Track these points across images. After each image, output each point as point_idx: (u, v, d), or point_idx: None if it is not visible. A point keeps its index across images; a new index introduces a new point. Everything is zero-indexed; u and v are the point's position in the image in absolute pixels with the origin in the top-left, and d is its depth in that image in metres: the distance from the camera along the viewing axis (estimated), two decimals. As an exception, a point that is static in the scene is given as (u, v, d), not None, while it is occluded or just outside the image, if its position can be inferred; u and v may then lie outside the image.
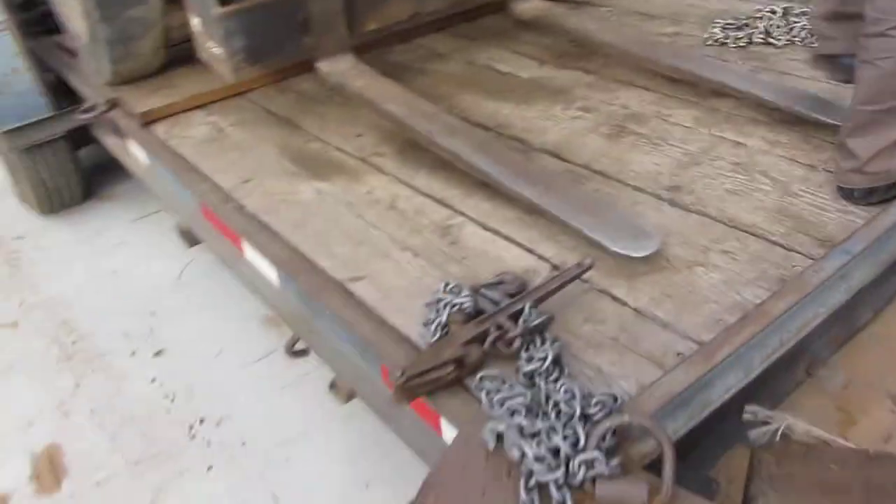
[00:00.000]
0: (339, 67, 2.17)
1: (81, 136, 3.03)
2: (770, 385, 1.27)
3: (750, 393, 1.19)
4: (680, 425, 1.09)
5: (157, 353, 2.34)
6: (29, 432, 2.11)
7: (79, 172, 3.14)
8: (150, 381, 2.23)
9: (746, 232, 1.48)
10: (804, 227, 1.48)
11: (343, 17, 2.14)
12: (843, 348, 1.42)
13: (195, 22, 2.10)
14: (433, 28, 2.68)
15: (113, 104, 2.52)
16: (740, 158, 1.75)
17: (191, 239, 2.36)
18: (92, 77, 2.65)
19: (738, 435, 1.14)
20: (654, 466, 0.99)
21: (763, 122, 1.88)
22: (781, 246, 1.43)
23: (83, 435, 2.08)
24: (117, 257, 2.88)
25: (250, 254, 1.87)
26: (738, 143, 1.81)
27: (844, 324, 1.45)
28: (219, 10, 1.93)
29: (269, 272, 1.80)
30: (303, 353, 1.77)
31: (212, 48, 2.07)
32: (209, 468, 1.94)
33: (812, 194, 1.58)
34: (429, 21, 2.61)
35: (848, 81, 1.83)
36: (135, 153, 2.57)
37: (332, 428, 2.02)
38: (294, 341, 1.75)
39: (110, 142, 2.78)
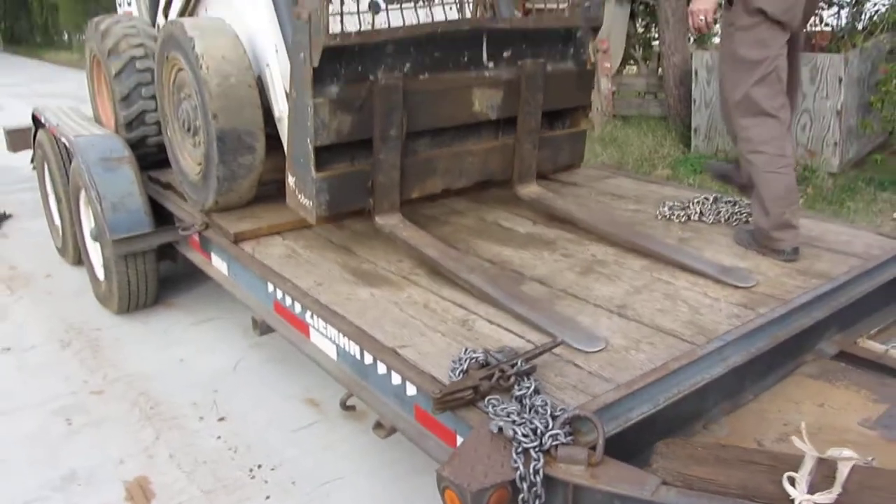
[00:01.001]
0: (391, 222, 2.95)
1: (165, 251, 3.82)
2: (678, 433, 1.97)
3: (663, 423, 1.88)
4: (611, 428, 1.77)
5: (221, 419, 2.97)
6: (121, 468, 2.70)
7: (156, 280, 3.88)
8: (216, 438, 2.85)
9: (665, 333, 2.22)
10: (704, 332, 2.21)
11: (397, 188, 2.96)
12: (730, 415, 2.12)
13: (291, 180, 2.91)
14: (455, 193, 3.52)
15: (207, 225, 3.32)
16: (669, 292, 2.52)
17: (263, 329, 3.04)
18: (191, 203, 3.46)
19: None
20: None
21: (688, 270, 2.67)
22: (687, 341, 2.15)
23: (165, 471, 2.67)
24: (182, 349, 3.55)
25: (315, 336, 2.59)
26: (669, 283, 2.59)
27: (731, 400, 2.16)
28: (314, 174, 2.74)
29: (330, 349, 2.50)
30: (352, 407, 2.42)
31: (301, 199, 2.86)
32: (267, 497, 2.53)
33: (713, 314, 2.33)
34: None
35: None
36: (217, 265, 3.33)
37: (365, 479, 2.62)
38: (347, 397, 2.41)
39: (194, 256, 3.55)
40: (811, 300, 2.39)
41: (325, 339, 2.51)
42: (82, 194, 3.98)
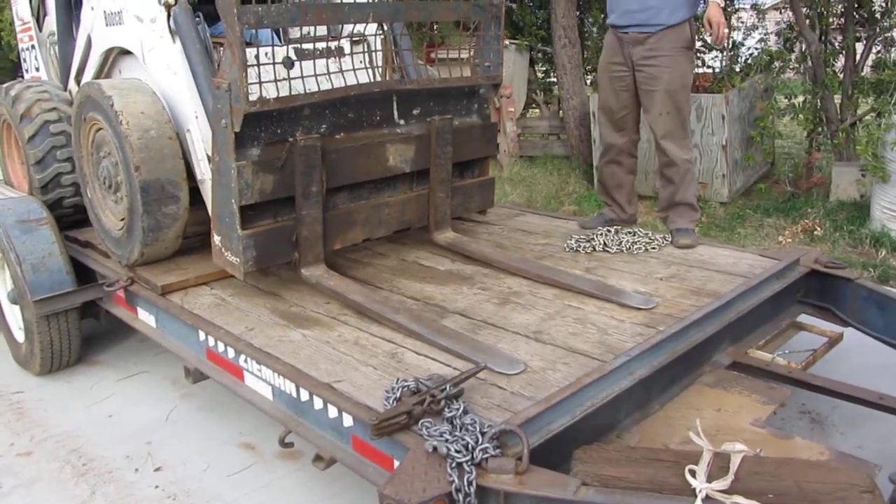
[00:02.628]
0: (317, 272, 3.09)
1: (87, 309, 3.81)
2: (594, 443, 2.17)
3: (581, 434, 2.08)
4: (534, 440, 1.95)
5: (157, 469, 2.99)
6: (56, 526, 2.70)
7: (79, 339, 3.85)
8: (154, 488, 2.87)
9: (578, 353, 2.44)
10: (612, 350, 2.44)
11: (320, 240, 3.11)
12: (640, 424, 2.34)
13: (216, 239, 3.01)
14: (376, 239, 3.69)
15: (132, 280, 3.37)
16: (579, 316, 2.75)
17: (196, 377, 3.08)
18: (115, 259, 3.50)
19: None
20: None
21: (595, 297, 2.92)
22: (597, 359, 2.38)
23: (103, 526, 2.68)
24: (111, 404, 3.55)
25: (249, 379, 2.68)
26: (579, 308, 2.83)
27: (640, 410, 2.39)
28: (240, 232, 2.86)
29: (265, 390, 2.60)
30: (290, 444, 2.52)
31: (228, 256, 2.97)
32: (209, 542, 2.58)
33: (619, 334, 2.57)
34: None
35: None
36: (144, 318, 3.38)
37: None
38: (286, 434, 2.51)
39: (119, 311, 3.58)
40: (704, 316, 2.66)
41: (259, 380, 2.61)
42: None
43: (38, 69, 4.75)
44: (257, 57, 2.77)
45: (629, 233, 3.61)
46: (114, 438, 3.23)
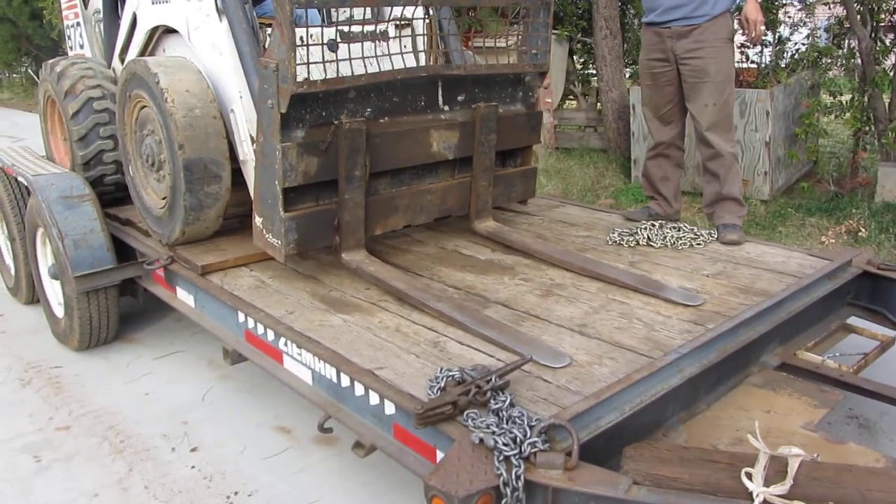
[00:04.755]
0: (357, 257, 3.06)
1: (126, 288, 3.83)
2: (641, 441, 2.11)
3: (628, 431, 2.03)
4: (583, 436, 1.91)
5: (193, 450, 2.99)
6: (95, 501, 2.70)
7: (117, 316, 3.87)
8: (190, 468, 2.87)
9: (624, 348, 2.38)
10: (660, 346, 2.38)
11: (361, 225, 3.08)
12: (687, 423, 2.28)
13: (258, 220, 2.99)
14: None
15: (172, 259, 3.37)
16: (624, 311, 2.69)
17: (234, 358, 3.07)
18: (156, 237, 3.50)
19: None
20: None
21: (640, 292, 2.85)
22: (645, 356, 2.32)
23: (141, 502, 2.68)
24: (148, 383, 3.56)
25: (289, 363, 2.66)
26: (624, 303, 2.77)
27: (687, 410, 2.33)
28: (282, 214, 2.84)
29: (305, 374, 2.58)
30: (329, 429, 2.50)
31: (269, 238, 2.95)
32: (244, 522, 2.58)
33: (667, 330, 2.51)
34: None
35: None
36: (183, 298, 3.38)
37: (342, 499, 2.69)
38: (325, 419, 2.48)
39: (158, 290, 3.58)
40: (754, 316, 2.59)
41: (299, 364, 2.59)
42: (39, 233, 3.97)
43: (82, 47, 4.77)
44: (303, 38, 2.73)
45: (674, 227, 3.53)
46: (150, 417, 3.24)
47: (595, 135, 8.24)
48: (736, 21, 3.84)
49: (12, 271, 4.66)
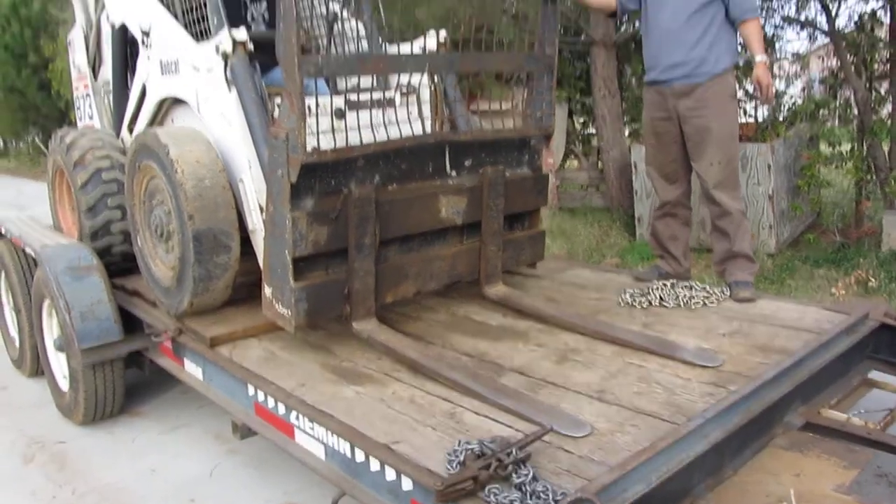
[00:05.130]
0: (368, 326, 3.03)
1: (132, 359, 3.78)
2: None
3: (655, 502, 1.96)
4: (610, 510, 1.84)
5: (202, 528, 2.91)
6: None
7: (123, 389, 3.81)
8: (199, 547, 2.78)
9: (646, 414, 2.33)
10: (682, 411, 2.33)
11: (372, 294, 3.05)
12: (714, 490, 2.21)
13: (267, 290, 2.97)
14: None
15: (180, 331, 3.33)
16: (642, 374, 2.64)
17: (244, 432, 3.01)
18: (164, 308, 3.47)
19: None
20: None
21: (657, 354, 2.81)
22: (668, 421, 2.26)
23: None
24: (153, 458, 3.48)
25: (301, 437, 2.60)
26: (641, 366, 2.72)
27: (714, 476, 2.26)
28: (292, 284, 2.81)
29: (317, 448, 2.52)
30: (343, 506, 2.42)
31: (279, 308, 2.92)
32: None
33: (688, 394, 2.46)
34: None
35: None
36: (191, 370, 3.33)
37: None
38: (340, 496, 2.41)
39: (165, 362, 3.53)
40: (777, 375, 2.53)
41: (311, 439, 2.53)
42: (46, 304, 3.94)
43: (91, 117, 4.82)
44: (310, 107, 2.75)
45: (686, 286, 3.50)
46: (157, 494, 3.15)
47: (597, 194, 8.28)
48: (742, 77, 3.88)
49: (17, 343, 4.61)
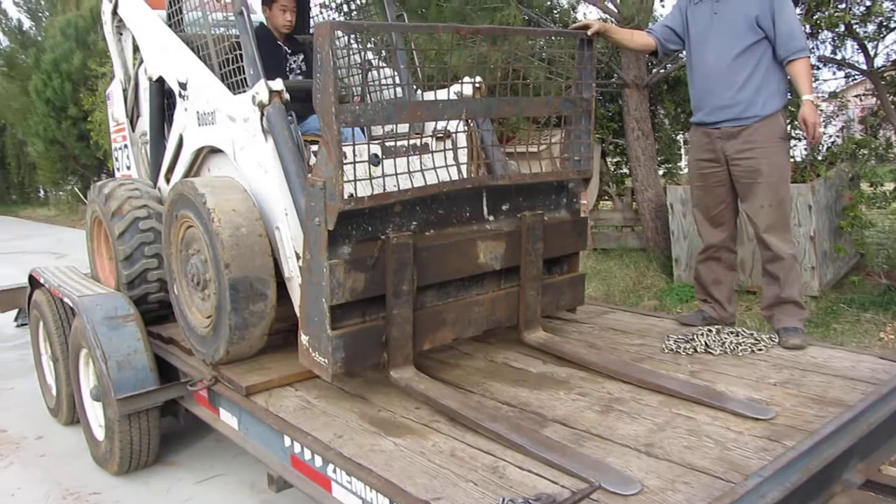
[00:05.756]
0: (406, 375, 2.97)
1: (167, 407, 3.75)
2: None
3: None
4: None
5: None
6: None
7: (158, 438, 3.78)
8: None
9: (698, 471, 2.22)
10: (736, 468, 2.21)
11: (410, 341, 3.00)
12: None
13: (304, 339, 2.93)
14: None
15: (216, 379, 3.30)
16: (692, 427, 2.53)
17: (280, 485, 2.94)
18: (199, 357, 3.45)
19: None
20: None
21: (706, 405, 2.70)
22: (721, 479, 2.15)
23: None
24: (188, 510, 3.43)
25: (338, 491, 2.53)
26: (690, 418, 2.61)
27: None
28: (329, 332, 2.77)
29: (355, 503, 2.44)
30: (383, 566, 2.33)
31: (316, 357, 2.88)
32: None
33: (741, 449, 2.34)
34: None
35: None
36: (226, 419, 3.28)
37: None
38: (377, 553, 2.33)
39: (200, 411, 3.50)
40: (836, 430, 2.41)
41: (349, 493, 2.45)
42: (83, 354, 3.94)
43: (129, 168, 4.90)
44: (346, 154, 2.74)
45: (732, 332, 3.39)
46: (191, 548, 3.09)
47: (632, 234, 8.19)
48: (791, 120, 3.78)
49: (54, 391, 4.63)
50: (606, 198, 9.02)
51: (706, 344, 3.31)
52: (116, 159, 5.20)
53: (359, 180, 2.78)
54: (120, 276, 4.04)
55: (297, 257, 3.12)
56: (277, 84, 3.27)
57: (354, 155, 2.88)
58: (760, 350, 3.26)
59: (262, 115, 3.27)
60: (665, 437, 2.48)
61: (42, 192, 25.68)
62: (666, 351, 3.33)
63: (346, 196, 2.68)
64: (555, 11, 8.53)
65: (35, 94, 17.94)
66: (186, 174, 4.02)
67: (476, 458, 2.42)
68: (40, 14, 21.64)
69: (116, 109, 5.00)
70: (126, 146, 4.94)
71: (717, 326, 3.50)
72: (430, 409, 2.82)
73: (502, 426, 2.55)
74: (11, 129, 24.37)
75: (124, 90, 4.83)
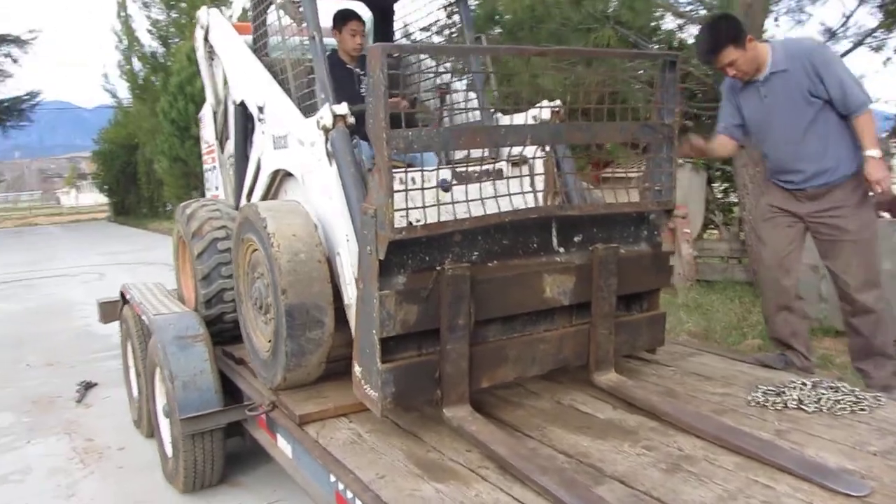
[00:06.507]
0: (460, 414, 2.80)
1: (233, 428, 3.74)
2: None
3: None
4: None
5: None
6: None
7: (223, 459, 3.77)
8: None
9: (769, 553, 1.93)
10: (814, 554, 1.92)
11: (465, 378, 2.83)
12: None
13: (357, 370, 2.83)
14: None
15: (274, 405, 3.25)
16: (769, 498, 2.23)
17: (325, 522, 2.84)
18: (261, 382, 3.42)
19: None
20: None
21: (789, 473, 2.38)
22: (795, 566, 1.86)
23: None
24: (245, 536, 3.39)
25: (378, 536, 2.39)
26: (768, 487, 2.31)
27: None
28: (380, 366, 2.65)
29: (394, 553, 2.29)
30: None
31: (367, 390, 2.76)
32: None
33: (824, 530, 2.03)
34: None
35: None
36: (282, 447, 3.22)
37: None
38: None
39: (260, 436, 3.46)
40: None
41: (389, 539, 2.31)
42: (157, 371, 4.01)
43: (217, 189, 5.01)
44: (415, 179, 2.64)
45: (831, 388, 3.03)
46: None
47: (739, 266, 7.69)
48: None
49: (137, 404, 4.75)
50: (712, 227, 8.54)
51: (799, 399, 2.96)
52: (207, 180, 5.34)
53: (420, 208, 2.66)
54: (198, 295, 4.10)
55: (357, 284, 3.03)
56: (342, 108, 3.21)
57: (417, 180, 2.77)
58: (863, 410, 2.88)
59: (327, 139, 3.22)
60: (735, 506, 2.20)
61: (168, 207, 27.26)
62: (752, 404, 3.00)
63: (399, 224, 2.57)
64: (659, 32, 8.18)
65: (162, 115, 19.10)
66: (264, 197, 4.04)
67: (520, 514, 2.22)
68: (170, 41, 23.04)
69: (207, 132, 5.13)
70: (215, 168, 5.06)
71: (813, 380, 3.13)
72: (480, 452, 2.64)
73: (552, 481, 2.33)
74: (142, 148, 26.08)
75: (214, 113, 4.95)
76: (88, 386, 5.90)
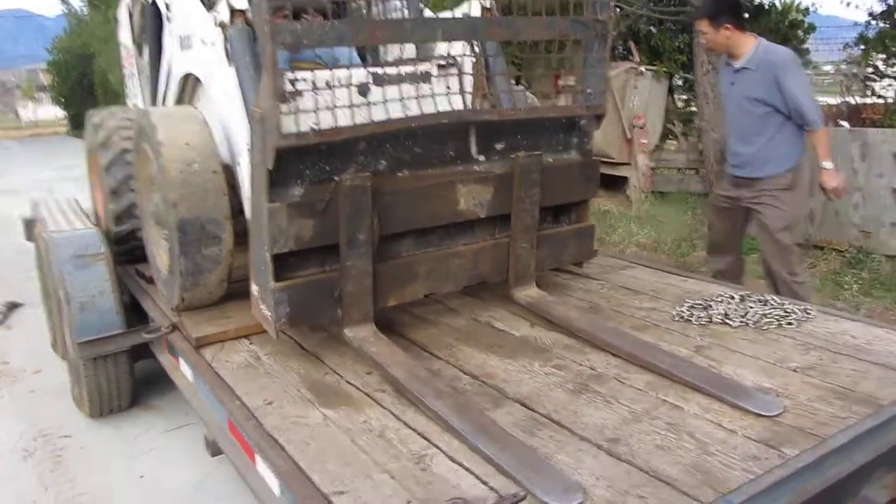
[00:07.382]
0: (361, 335, 2.61)
1: (140, 351, 3.54)
2: None
3: None
4: None
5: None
6: None
7: (131, 383, 3.59)
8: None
9: (662, 481, 1.78)
10: (710, 481, 1.77)
11: (369, 296, 2.62)
12: None
13: (254, 289, 2.61)
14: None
15: (174, 327, 3.03)
16: (674, 419, 2.08)
17: (214, 449, 2.68)
18: (162, 303, 3.20)
19: None
20: None
21: (701, 391, 2.23)
22: (687, 495, 1.72)
23: None
24: (147, 462, 3.24)
25: (261, 466, 2.22)
26: (677, 407, 2.16)
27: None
28: (272, 285, 2.43)
29: (273, 482, 2.13)
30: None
31: (263, 310, 2.55)
32: None
33: (725, 454, 1.89)
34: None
35: None
36: (184, 370, 3.03)
37: None
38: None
39: (164, 359, 3.26)
40: (854, 438, 1.92)
41: (269, 470, 2.15)
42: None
43: (136, 97, 4.64)
44: (328, 82, 2.36)
45: (760, 301, 2.88)
46: (137, 505, 2.89)
47: (696, 178, 7.52)
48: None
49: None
50: (671, 137, 8.31)
51: (725, 313, 2.81)
52: (127, 87, 4.95)
53: (340, 110, 2.39)
54: (107, 211, 3.82)
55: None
56: (240, 2, 2.87)
57: (334, 81, 2.48)
58: (790, 324, 2.73)
59: (226, 38, 2.89)
60: (637, 430, 2.04)
61: (127, 120, 26.36)
62: (676, 319, 2.85)
63: (286, 131, 2.29)
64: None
65: (115, 22, 18.05)
66: (176, 104, 3.70)
67: (406, 441, 2.05)
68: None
69: (123, 34, 4.72)
70: (133, 73, 4.67)
71: (742, 293, 2.98)
72: (378, 376, 2.47)
73: (445, 405, 2.16)
74: (98, 58, 24.84)
75: (130, 13, 4.53)
76: (13, 306, 5.64)
